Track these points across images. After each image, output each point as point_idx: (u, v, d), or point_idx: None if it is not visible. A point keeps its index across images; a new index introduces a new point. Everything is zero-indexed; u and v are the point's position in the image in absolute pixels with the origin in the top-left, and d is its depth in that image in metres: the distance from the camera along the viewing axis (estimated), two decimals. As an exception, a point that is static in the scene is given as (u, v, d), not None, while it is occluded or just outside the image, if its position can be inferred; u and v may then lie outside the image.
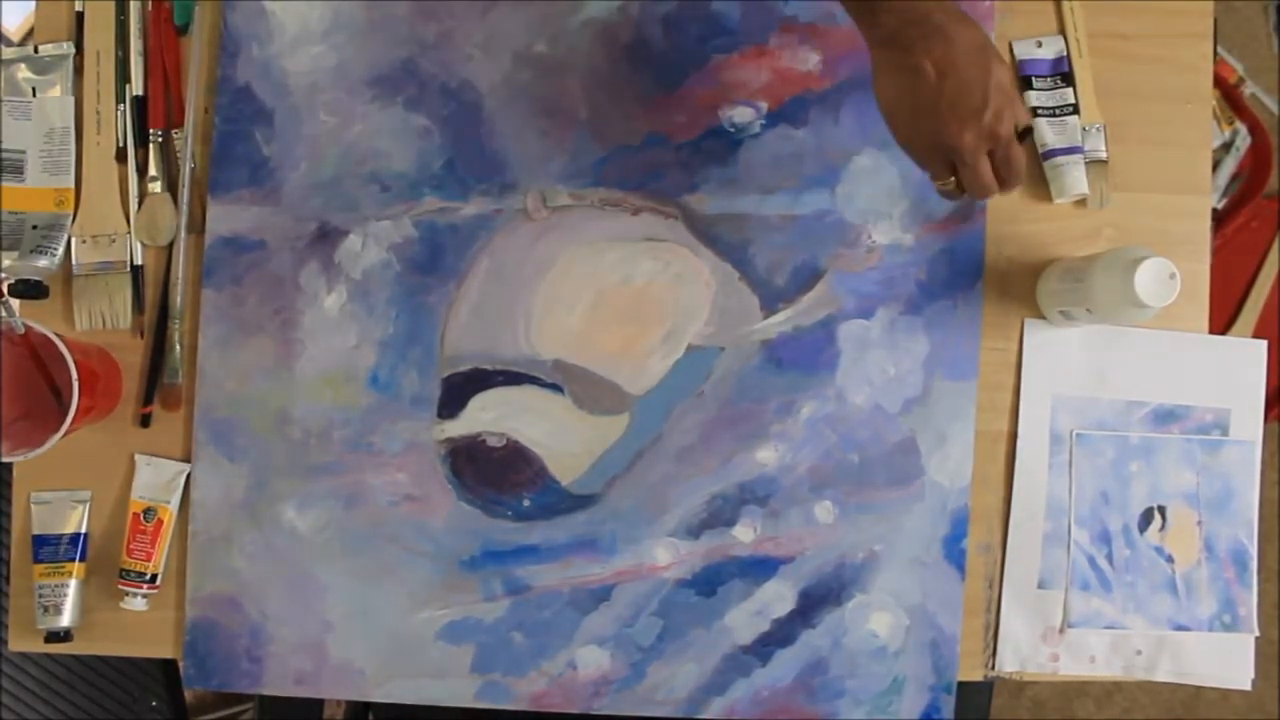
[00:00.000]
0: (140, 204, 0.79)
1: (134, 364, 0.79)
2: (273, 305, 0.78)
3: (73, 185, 0.79)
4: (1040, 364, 0.79)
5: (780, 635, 0.78)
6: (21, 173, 0.79)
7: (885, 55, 0.63)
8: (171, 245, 0.79)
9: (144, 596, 0.76)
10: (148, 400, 0.79)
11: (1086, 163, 0.79)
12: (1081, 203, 0.80)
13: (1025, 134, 0.65)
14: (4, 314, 0.70)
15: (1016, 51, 0.80)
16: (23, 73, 0.80)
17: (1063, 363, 0.79)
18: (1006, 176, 0.65)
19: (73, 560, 0.77)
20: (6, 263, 0.76)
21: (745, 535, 0.78)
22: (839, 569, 0.78)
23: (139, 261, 0.79)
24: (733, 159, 0.79)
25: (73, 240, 0.79)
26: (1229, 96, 1.35)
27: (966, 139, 0.62)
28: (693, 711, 0.78)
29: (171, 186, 0.80)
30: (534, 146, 0.79)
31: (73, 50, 0.80)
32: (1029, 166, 0.80)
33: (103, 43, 0.80)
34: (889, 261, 0.79)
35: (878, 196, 0.79)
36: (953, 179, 0.65)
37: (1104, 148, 0.80)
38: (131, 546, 0.77)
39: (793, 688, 0.78)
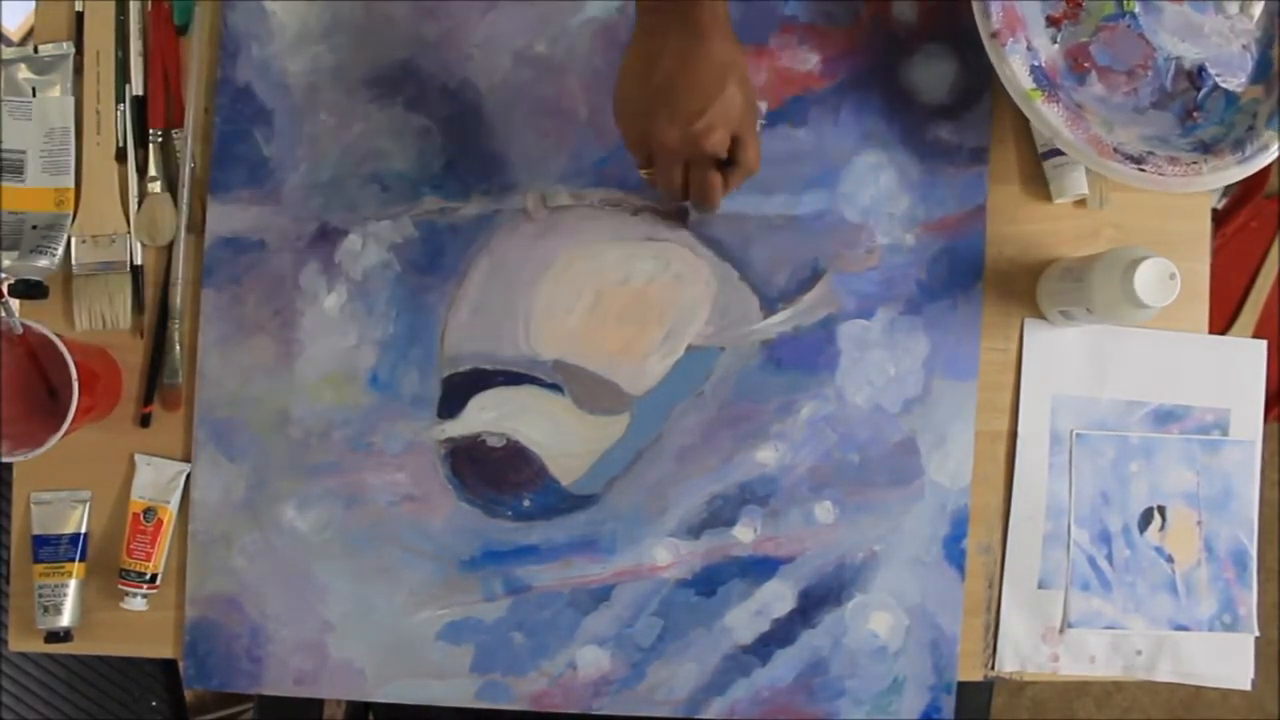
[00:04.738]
0: (140, 204, 0.79)
1: (134, 364, 0.79)
2: (273, 305, 0.78)
3: (73, 185, 0.79)
4: (1040, 364, 0.79)
5: (780, 635, 0.78)
6: (21, 173, 0.79)
7: (640, 32, 0.64)
8: (171, 245, 0.79)
9: (144, 596, 0.76)
10: (148, 400, 0.79)
11: (1086, 163, 0.79)
12: (1081, 203, 0.80)
13: (728, 165, 0.64)
14: (3, 314, 0.70)
15: (1016, 51, 0.80)
16: (23, 73, 0.80)
17: (1063, 363, 0.79)
18: (695, 196, 0.66)
19: (73, 560, 0.77)
20: (6, 263, 0.76)
21: (745, 535, 0.78)
22: (839, 569, 0.78)
23: (139, 261, 0.79)
24: (733, 159, 0.79)
25: (73, 240, 0.79)
26: (1229, 96, 1.34)
27: (668, 136, 0.62)
28: (693, 711, 0.78)
29: (171, 186, 0.80)
30: (534, 146, 0.79)
31: (73, 50, 0.80)
32: (1030, 166, 0.80)
33: (103, 43, 0.80)
34: (889, 261, 0.79)
35: (878, 196, 0.79)
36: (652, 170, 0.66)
37: (1104, 148, 0.80)
38: (131, 546, 0.77)
39: (793, 688, 0.78)
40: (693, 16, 0.61)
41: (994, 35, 0.73)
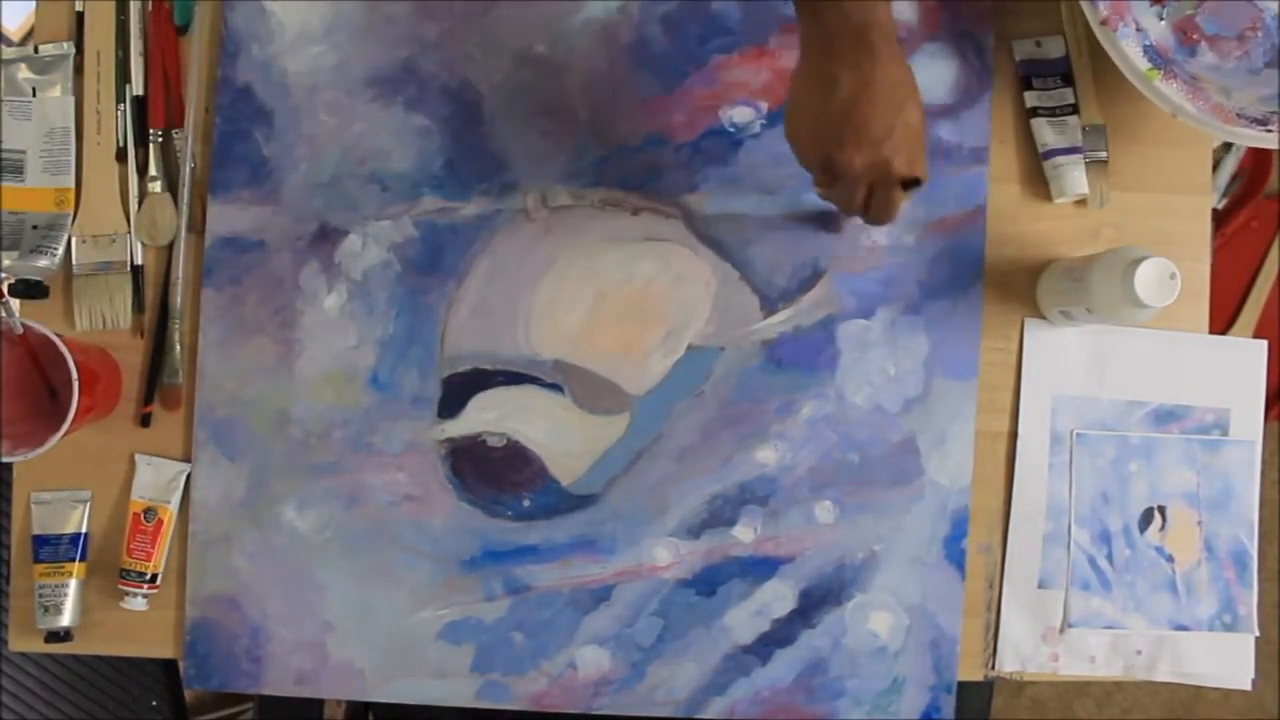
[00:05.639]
0: (140, 204, 0.79)
1: (134, 364, 0.79)
2: (273, 305, 0.78)
3: (73, 185, 0.79)
4: (1040, 364, 0.79)
5: (780, 635, 0.78)
6: (21, 173, 0.79)
7: (811, 55, 0.63)
8: (171, 245, 0.79)
9: (144, 596, 0.76)
10: (148, 400, 0.79)
11: (1086, 163, 0.79)
12: (1081, 203, 0.80)
13: (912, 184, 0.64)
14: (3, 314, 0.70)
15: (1016, 52, 0.80)
16: (23, 73, 0.80)
17: (1063, 363, 0.79)
18: (876, 214, 0.65)
19: (73, 560, 0.77)
20: (6, 263, 0.76)
21: (745, 535, 0.78)
22: (839, 569, 0.78)
23: (139, 261, 0.79)
24: (733, 159, 0.79)
25: (73, 240, 0.79)
26: (1229, 96, 1.34)
27: (856, 162, 0.62)
28: (693, 711, 0.78)
29: (171, 186, 0.80)
30: (534, 146, 0.79)
31: (73, 50, 0.80)
32: (1030, 166, 0.80)
33: (103, 43, 0.80)
34: (889, 261, 0.79)
35: (878, 196, 0.79)
36: (832, 190, 0.66)
37: (1104, 148, 0.80)
38: (131, 546, 0.77)
39: (793, 688, 0.78)
40: (867, 39, 0.60)
41: (1104, 22, 0.72)
